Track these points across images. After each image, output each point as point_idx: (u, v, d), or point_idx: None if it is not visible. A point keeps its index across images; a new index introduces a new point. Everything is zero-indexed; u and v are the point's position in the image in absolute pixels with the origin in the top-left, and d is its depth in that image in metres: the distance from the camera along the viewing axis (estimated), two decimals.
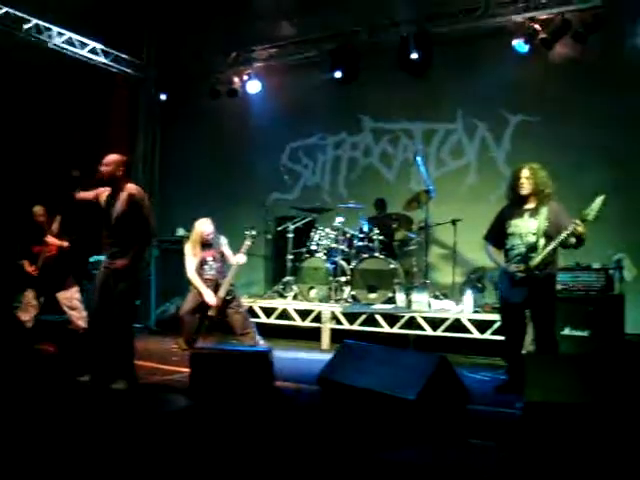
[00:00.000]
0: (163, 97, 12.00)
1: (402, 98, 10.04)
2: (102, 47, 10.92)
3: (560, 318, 6.56)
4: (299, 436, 4.27)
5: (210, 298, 7.27)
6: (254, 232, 7.57)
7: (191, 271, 7.42)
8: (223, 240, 7.57)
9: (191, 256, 7.45)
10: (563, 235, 5.44)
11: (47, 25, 9.92)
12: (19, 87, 10.41)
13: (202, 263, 7.44)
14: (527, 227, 5.70)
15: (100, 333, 5.56)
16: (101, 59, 10.97)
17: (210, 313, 7.32)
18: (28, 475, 3.35)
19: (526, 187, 5.70)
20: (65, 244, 7.58)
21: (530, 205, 5.75)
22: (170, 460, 3.65)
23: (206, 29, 11.34)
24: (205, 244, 7.46)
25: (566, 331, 7.03)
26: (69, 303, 7.65)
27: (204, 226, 7.46)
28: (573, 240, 5.47)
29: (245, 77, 11.08)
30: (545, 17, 8.75)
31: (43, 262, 7.58)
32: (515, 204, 5.86)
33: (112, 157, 5.60)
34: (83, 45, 10.59)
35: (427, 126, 10.17)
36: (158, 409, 5.03)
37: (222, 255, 7.53)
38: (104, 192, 5.72)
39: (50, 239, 7.50)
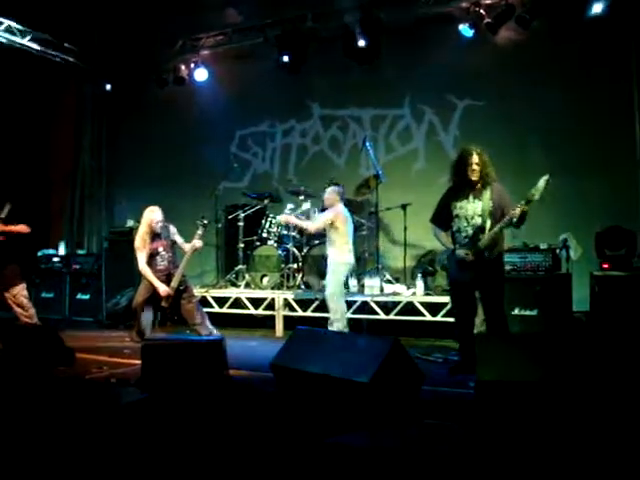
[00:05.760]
0: (108, 87, 11.77)
1: (350, 85, 10.06)
2: (44, 36, 10.64)
3: (509, 298, 6.69)
4: (252, 424, 4.25)
5: (163, 290, 7.19)
6: (205, 221, 7.49)
7: (142, 264, 7.30)
8: (172, 229, 7.48)
9: (142, 249, 7.32)
10: (509, 216, 5.52)
11: None
12: None
13: (153, 255, 7.34)
14: (473, 209, 5.76)
15: None
16: (43, 48, 10.71)
17: (162, 304, 7.25)
18: None
19: (477, 172, 5.76)
20: (25, 229, 7.33)
21: (474, 187, 5.82)
22: (125, 453, 3.61)
23: (152, 17, 11.12)
24: (154, 235, 7.36)
25: (516, 311, 7.18)
26: (16, 300, 7.46)
27: (153, 214, 7.35)
28: (515, 220, 5.55)
29: (192, 65, 10.93)
30: (490, 2, 8.85)
31: None
32: (459, 186, 5.91)
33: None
34: (23, 34, 10.31)
35: (375, 112, 10.18)
36: (110, 402, 4.96)
37: (173, 244, 7.45)
38: None
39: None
